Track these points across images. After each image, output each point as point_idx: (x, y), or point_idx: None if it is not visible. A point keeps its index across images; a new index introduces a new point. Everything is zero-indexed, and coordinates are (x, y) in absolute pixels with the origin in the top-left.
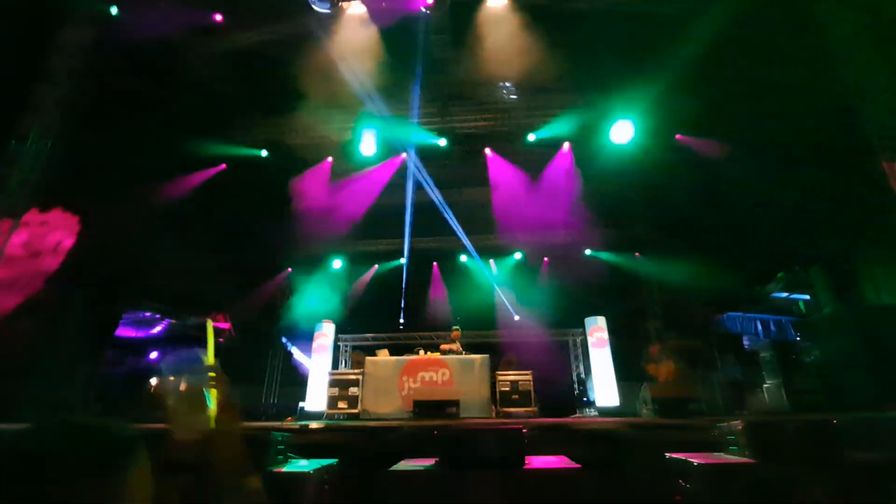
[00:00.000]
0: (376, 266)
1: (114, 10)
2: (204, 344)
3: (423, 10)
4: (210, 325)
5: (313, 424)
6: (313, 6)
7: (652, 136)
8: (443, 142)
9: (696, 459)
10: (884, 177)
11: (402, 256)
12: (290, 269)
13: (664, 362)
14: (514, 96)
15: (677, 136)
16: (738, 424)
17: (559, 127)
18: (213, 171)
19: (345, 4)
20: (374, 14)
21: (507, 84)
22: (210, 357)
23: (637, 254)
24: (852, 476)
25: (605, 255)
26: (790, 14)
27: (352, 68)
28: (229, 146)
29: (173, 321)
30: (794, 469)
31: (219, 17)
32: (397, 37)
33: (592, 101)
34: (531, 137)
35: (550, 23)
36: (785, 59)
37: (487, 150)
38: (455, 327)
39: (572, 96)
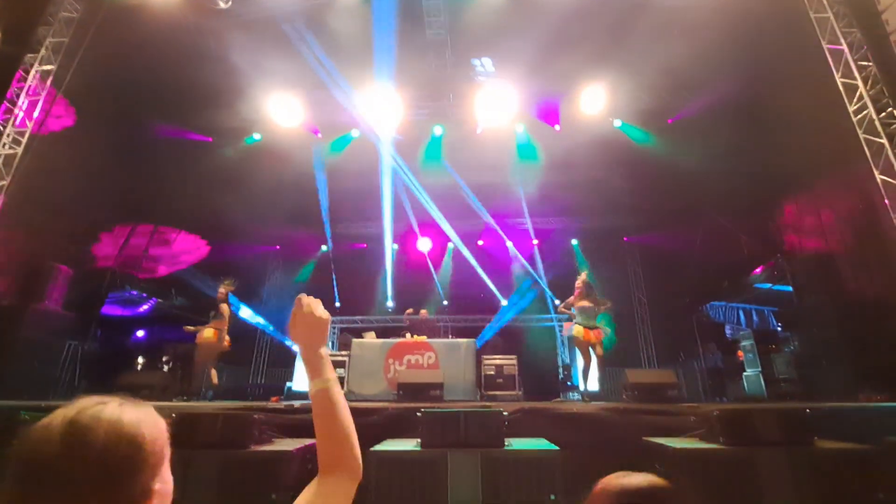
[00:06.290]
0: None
1: None
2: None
3: None
4: None
5: (298, 404)
6: None
7: (643, 122)
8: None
9: (672, 443)
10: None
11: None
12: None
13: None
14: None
15: (668, 121)
16: (714, 411)
17: None
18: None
19: None
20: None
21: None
22: None
23: (626, 238)
24: (823, 463)
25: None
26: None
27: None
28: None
29: (160, 300)
30: (765, 455)
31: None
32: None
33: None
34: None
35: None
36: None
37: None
38: (423, 309)
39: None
